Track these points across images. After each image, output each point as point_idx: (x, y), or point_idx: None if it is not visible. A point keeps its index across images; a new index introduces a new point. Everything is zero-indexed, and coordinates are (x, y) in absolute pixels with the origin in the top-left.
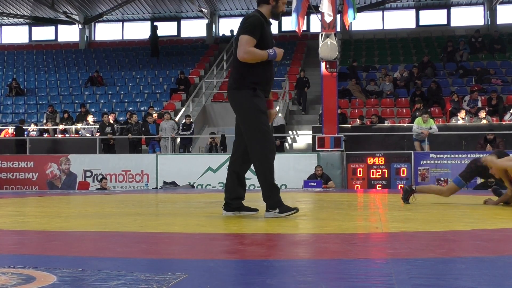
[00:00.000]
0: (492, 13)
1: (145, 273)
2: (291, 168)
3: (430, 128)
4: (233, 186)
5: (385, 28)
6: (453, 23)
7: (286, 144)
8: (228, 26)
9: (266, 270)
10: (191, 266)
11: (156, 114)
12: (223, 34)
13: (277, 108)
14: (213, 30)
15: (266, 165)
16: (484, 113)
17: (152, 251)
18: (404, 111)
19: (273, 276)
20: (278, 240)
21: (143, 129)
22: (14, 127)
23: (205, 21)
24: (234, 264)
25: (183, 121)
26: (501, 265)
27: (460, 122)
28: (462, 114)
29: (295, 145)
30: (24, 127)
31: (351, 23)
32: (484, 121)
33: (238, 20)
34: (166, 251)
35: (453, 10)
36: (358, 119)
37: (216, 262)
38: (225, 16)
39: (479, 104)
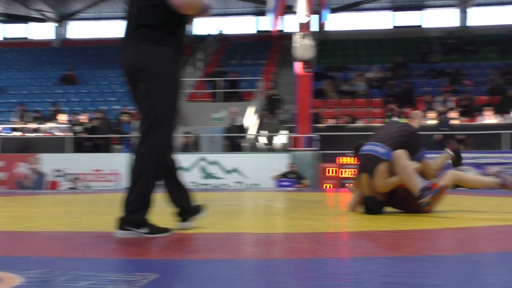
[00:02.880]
0: (465, 15)
1: (115, 274)
2: (264, 167)
3: None
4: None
5: (360, 28)
6: (427, 25)
7: (259, 144)
8: (204, 25)
9: (238, 269)
10: (162, 266)
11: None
12: (199, 34)
13: (251, 109)
14: (189, 29)
15: (151, 167)
16: (456, 114)
17: (122, 251)
18: (378, 111)
19: (245, 276)
20: (249, 239)
21: (112, 128)
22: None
23: None
24: (206, 264)
25: None
26: (469, 263)
27: (433, 122)
28: (432, 114)
29: (267, 145)
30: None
31: (324, 22)
32: (455, 122)
33: (215, 20)
34: (137, 251)
35: (427, 11)
36: (332, 119)
37: (187, 262)
38: None
39: (451, 105)
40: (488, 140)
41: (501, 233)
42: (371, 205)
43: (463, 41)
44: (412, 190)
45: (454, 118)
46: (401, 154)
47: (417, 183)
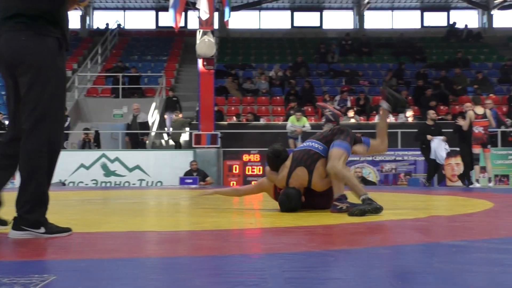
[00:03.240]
0: (360, 18)
1: (9, 276)
2: (167, 165)
3: (303, 126)
4: None
5: (261, 27)
6: (326, 26)
7: (162, 141)
8: (103, 19)
9: (141, 268)
10: (61, 267)
11: None
12: (98, 28)
13: (154, 105)
14: (87, 22)
15: (43, 163)
16: (353, 113)
17: (18, 252)
18: (279, 109)
19: (148, 274)
20: (153, 237)
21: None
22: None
23: (79, 13)
24: (108, 264)
25: None
26: (365, 257)
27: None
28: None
29: (170, 142)
30: None
31: (228, 20)
32: (352, 120)
33: (113, 13)
34: (34, 252)
35: (326, 13)
36: (234, 117)
37: (88, 262)
38: (100, 8)
39: (348, 104)
40: None
41: (395, 227)
42: (296, 197)
43: (359, 43)
44: (334, 190)
45: (351, 116)
46: (340, 153)
47: (342, 187)
